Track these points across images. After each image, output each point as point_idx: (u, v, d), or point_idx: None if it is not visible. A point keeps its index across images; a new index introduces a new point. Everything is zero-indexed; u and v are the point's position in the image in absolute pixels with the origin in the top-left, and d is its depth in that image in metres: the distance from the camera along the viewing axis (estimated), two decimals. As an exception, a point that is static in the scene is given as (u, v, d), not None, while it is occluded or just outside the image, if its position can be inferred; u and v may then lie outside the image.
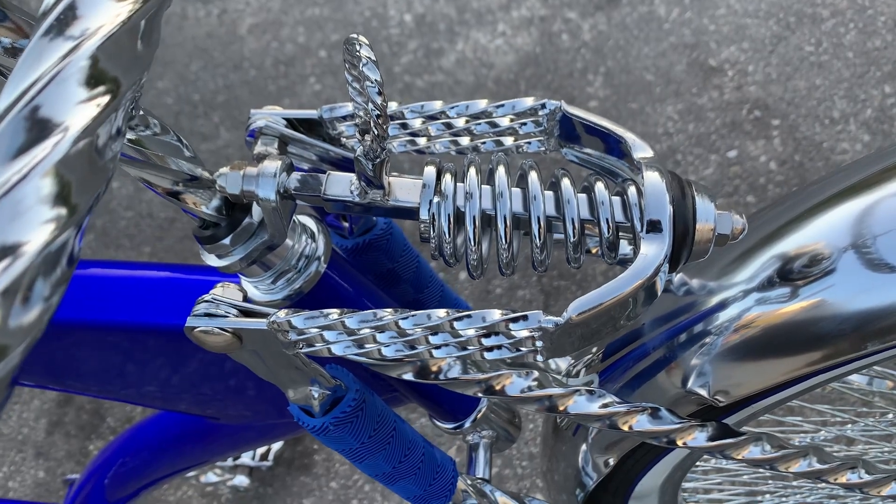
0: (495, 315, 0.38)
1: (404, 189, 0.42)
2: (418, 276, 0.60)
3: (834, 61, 1.48)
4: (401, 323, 0.39)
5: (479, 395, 0.44)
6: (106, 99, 0.23)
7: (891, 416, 0.92)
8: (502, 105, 0.45)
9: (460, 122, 0.46)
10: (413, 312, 0.39)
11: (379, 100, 0.35)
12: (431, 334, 0.40)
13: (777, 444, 0.51)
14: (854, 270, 0.44)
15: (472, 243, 0.40)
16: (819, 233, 0.47)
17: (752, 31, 1.54)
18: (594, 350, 0.61)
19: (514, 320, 0.38)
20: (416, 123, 0.47)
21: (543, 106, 0.45)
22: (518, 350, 0.40)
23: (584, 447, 0.64)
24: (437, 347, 0.40)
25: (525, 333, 0.39)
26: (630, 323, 0.41)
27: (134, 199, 1.59)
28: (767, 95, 1.46)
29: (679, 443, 0.48)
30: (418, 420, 1.26)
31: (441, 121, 0.46)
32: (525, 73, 1.60)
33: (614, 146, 0.44)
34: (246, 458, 1.24)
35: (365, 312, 0.39)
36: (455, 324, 0.38)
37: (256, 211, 0.45)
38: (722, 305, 0.51)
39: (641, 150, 0.42)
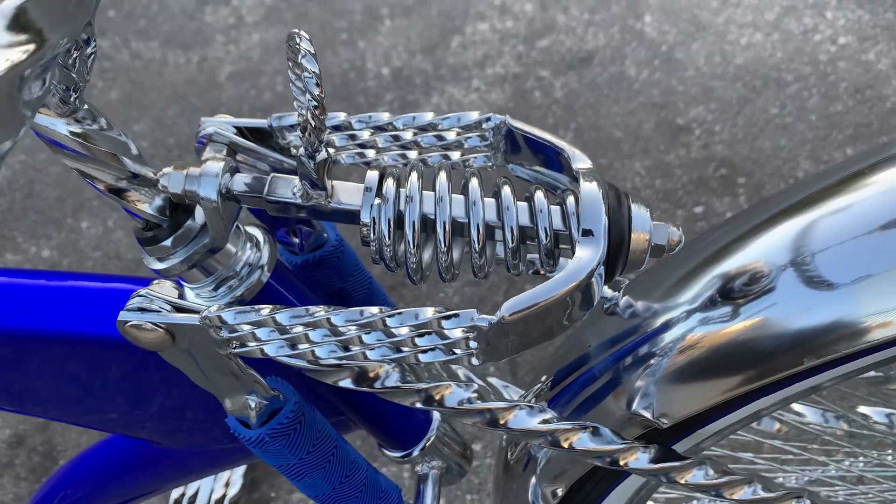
0: (428, 313, 0.38)
1: (347, 193, 0.42)
2: (370, 297, 0.59)
3: (798, 123, 1.52)
4: (332, 319, 0.38)
5: (419, 405, 0.44)
6: (30, 48, 0.24)
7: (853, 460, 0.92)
8: (448, 118, 0.46)
9: (408, 135, 0.47)
10: (345, 309, 0.38)
11: (316, 91, 0.35)
12: (365, 333, 0.39)
13: (721, 470, 0.50)
14: (793, 288, 0.45)
15: (412, 247, 0.40)
16: (759, 252, 0.47)
17: (720, 93, 1.58)
18: (543, 378, 0.60)
19: (447, 318, 0.37)
20: (365, 135, 0.47)
21: (489, 119, 0.46)
22: (452, 353, 0.39)
23: (532, 480, 0.63)
24: (372, 349, 0.40)
25: (459, 334, 0.38)
26: (568, 329, 0.41)
27: (103, 239, 1.58)
28: (734, 154, 1.49)
29: (622, 463, 0.48)
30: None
31: (389, 132, 0.47)
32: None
33: (555, 159, 0.45)
34: (200, 505, 1.20)
35: (297, 309, 0.39)
36: (388, 321, 0.38)
37: (199, 214, 0.45)
38: (666, 327, 0.51)
39: (580, 161, 0.43)
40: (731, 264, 0.48)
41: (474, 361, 0.40)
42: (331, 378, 0.42)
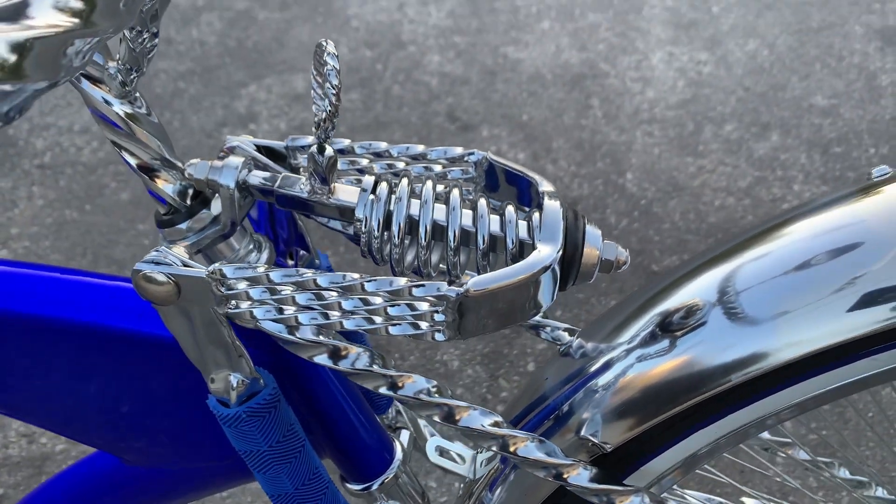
0: (400, 281, 0.44)
1: (346, 193, 0.50)
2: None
3: (764, 280, 1.61)
4: (318, 280, 0.44)
5: (383, 390, 0.49)
6: (79, 24, 0.31)
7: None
8: (436, 150, 0.54)
9: (401, 164, 0.55)
10: (330, 272, 0.44)
11: (335, 82, 0.43)
12: (344, 299, 0.45)
13: (656, 500, 0.54)
14: (722, 321, 0.51)
15: (396, 243, 0.47)
16: (694, 291, 0.54)
17: (693, 245, 1.69)
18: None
19: (417, 286, 0.43)
20: (364, 162, 0.55)
21: (472, 154, 0.54)
22: (418, 327, 0.45)
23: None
24: (348, 318, 0.45)
25: (426, 307, 0.44)
26: (526, 319, 0.47)
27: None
28: (703, 301, 1.57)
29: (564, 476, 0.52)
30: None
31: (385, 160, 0.55)
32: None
33: (526, 191, 0.52)
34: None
35: (288, 269, 0.45)
36: (366, 286, 0.44)
37: (215, 206, 0.52)
38: (610, 364, 0.56)
39: (546, 186, 0.50)
40: (670, 302, 0.55)
41: (439, 337, 0.45)
42: (307, 352, 0.48)
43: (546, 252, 0.45)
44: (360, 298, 0.45)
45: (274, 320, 0.46)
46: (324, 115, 0.44)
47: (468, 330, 0.46)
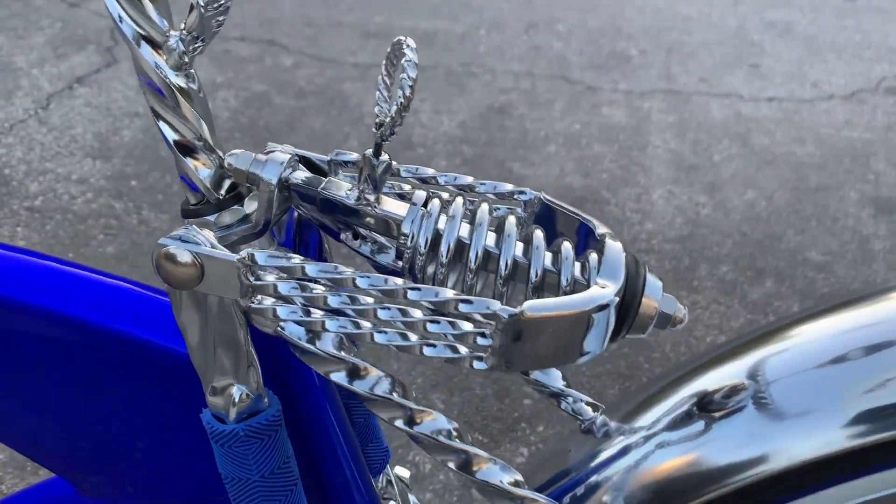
0: (448, 293, 0.40)
1: (392, 205, 0.47)
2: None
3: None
4: (357, 281, 0.40)
5: (399, 423, 0.44)
6: None
7: None
8: (485, 184, 0.52)
9: (446, 194, 0.52)
10: (372, 274, 0.41)
11: (409, 92, 0.41)
12: (381, 307, 0.41)
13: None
14: (763, 409, 0.48)
15: (443, 260, 0.44)
16: (737, 371, 0.51)
17: (681, 378, 1.66)
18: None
19: (465, 301, 0.40)
20: (406, 187, 0.52)
21: (523, 192, 0.52)
22: (457, 351, 0.41)
23: None
24: (381, 330, 0.41)
25: (470, 327, 0.41)
26: (573, 361, 0.43)
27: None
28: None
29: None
30: None
31: (430, 186, 0.52)
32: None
33: (581, 237, 0.50)
34: None
35: (326, 264, 0.41)
36: (409, 293, 0.40)
37: (248, 205, 0.48)
38: (639, 443, 0.52)
39: (603, 229, 0.48)
40: (709, 381, 0.52)
41: (478, 365, 0.41)
42: (325, 367, 0.43)
43: (607, 290, 0.42)
44: (398, 308, 0.41)
45: (297, 322, 0.42)
46: (395, 108, 0.41)
47: (512, 360, 0.42)
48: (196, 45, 0.44)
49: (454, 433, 0.45)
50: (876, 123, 2.60)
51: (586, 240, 0.50)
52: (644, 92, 2.71)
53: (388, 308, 0.41)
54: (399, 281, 0.41)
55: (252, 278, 0.42)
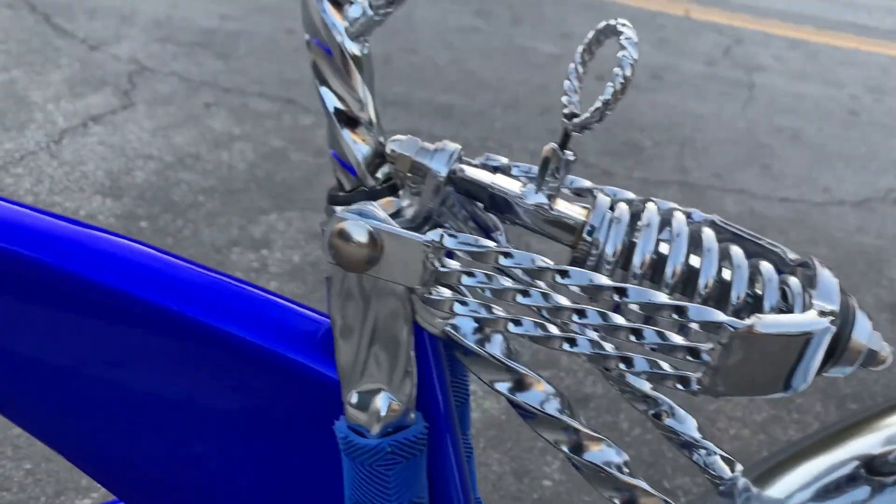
0: (662, 296, 0.35)
1: (568, 206, 0.42)
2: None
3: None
4: (559, 278, 0.35)
5: (564, 448, 0.38)
6: None
7: None
8: (652, 200, 0.47)
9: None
10: (574, 268, 0.35)
11: (629, 72, 0.37)
12: (577, 314, 0.36)
13: None
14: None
15: (638, 272, 0.39)
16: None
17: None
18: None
19: (680, 310, 0.34)
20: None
21: (691, 212, 0.47)
22: (659, 367, 0.36)
23: None
24: (572, 340, 0.36)
25: (679, 341, 0.35)
26: (776, 393, 0.37)
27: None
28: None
29: None
30: None
31: (587, 200, 0.47)
32: (487, 433, 1.59)
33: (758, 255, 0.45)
34: None
35: (523, 253, 0.36)
36: (617, 296, 0.35)
37: (403, 197, 0.43)
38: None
39: (793, 255, 0.43)
40: (877, 440, 0.46)
41: (693, 387, 0.36)
42: (490, 374, 0.37)
43: (827, 315, 0.37)
44: (598, 311, 0.36)
45: (477, 320, 0.37)
46: (611, 89, 0.37)
47: (726, 383, 0.36)
48: (386, 10, 0.39)
49: (623, 467, 0.39)
50: (887, 232, 2.62)
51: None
52: (659, 181, 2.72)
53: (587, 311, 0.36)
54: (604, 279, 0.36)
55: (439, 264, 0.36)
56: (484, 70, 3.42)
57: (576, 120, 0.39)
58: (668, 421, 0.54)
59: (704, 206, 2.59)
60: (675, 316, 0.35)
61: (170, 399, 0.48)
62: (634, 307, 0.35)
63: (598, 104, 0.38)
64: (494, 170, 0.48)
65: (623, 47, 0.37)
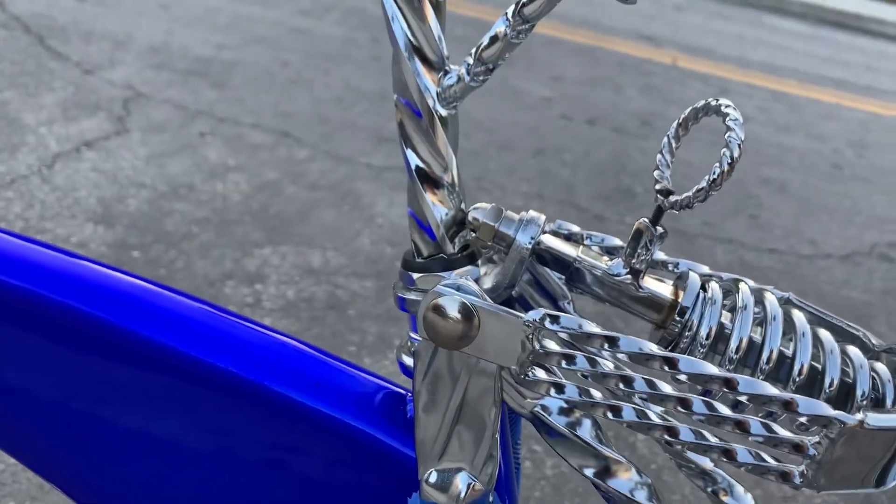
0: (770, 388, 0.34)
1: (655, 284, 0.41)
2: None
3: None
4: (677, 363, 0.34)
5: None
6: None
7: None
8: (723, 276, 0.46)
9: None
10: (685, 358, 0.34)
11: (737, 153, 0.37)
12: (682, 402, 0.35)
13: None
14: None
15: (734, 356, 0.38)
16: None
17: (703, 524, 1.57)
18: None
19: (791, 403, 0.34)
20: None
21: (764, 289, 0.46)
22: (762, 458, 0.35)
23: None
24: (673, 430, 0.35)
25: (785, 434, 0.34)
26: (871, 485, 0.37)
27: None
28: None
29: None
30: None
31: (665, 273, 0.47)
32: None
33: (841, 338, 0.44)
34: None
35: (630, 338, 0.35)
36: (739, 384, 0.34)
37: (482, 266, 0.42)
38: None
39: (876, 340, 0.43)
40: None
41: (796, 481, 0.35)
42: (580, 459, 0.36)
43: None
44: (703, 401, 0.35)
45: (576, 405, 0.36)
46: (718, 170, 0.37)
47: (828, 477, 0.35)
48: (484, 77, 0.39)
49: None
50: (873, 287, 2.65)
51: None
52: (650, 228, 2.74)
53: (692, 401, 0.35)
54: (714, 369, 0.35)
55: (539, 345, 0.35)
56: (478, 110, 3.44)
57: (673, 198, 0.39)
58: (726, 499, 0.53)
59: (696, 254, 2.61)
60: (784, 409, 0.34)
61: (221, 460, 0.47)
62: (743, 398, 0.34)
63: (703, 184, 0.37)
64: (567, 238, 0.47)
65: (730, 128, 0.37)
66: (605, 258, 0.42)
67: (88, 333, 0.45)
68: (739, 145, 0.37)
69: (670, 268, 0.47)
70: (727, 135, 0.37)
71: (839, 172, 3.67)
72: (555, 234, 0.47)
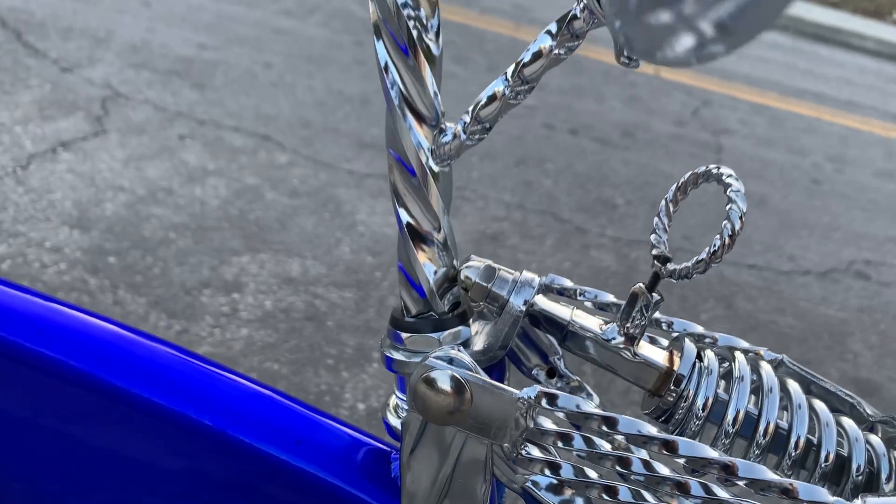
0: (770, 473, 0.33)
1: (650, 350, 0.40)
2: None
3: None
4: (668, 450, 0.33)
5: None
6: None
7: None
8: (721, 335, 0.45)
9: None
10: (685, 441, 0.33)
11: (739, 226, 0.35)
12: (679, 487, 0.34)
13: None
14: None
15: (730, 430, 0.37)
16: None
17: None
18: None
19: (791, 490, 0.33)
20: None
21: (761, 350, 0.45)
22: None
23: None
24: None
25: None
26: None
27: None
28: None
29: None
30: None
31: (661, 332, 0.46)
32: None
33: (833, 407, 0.44)
34: None
35: (628, 420, 0.33)
36: (739, 468, 0.33)
37: (473, 326, 0.41)
38: None
39: (872, 409, 0.42)
40: None
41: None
42: None
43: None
44: (700, 483, 0.34)
45: (572, 483, 0.34)
46: (719, 241, 0.35)
47: None
48: (480, 137, 0.37)
49: None
50: (849, 304, 2.68)
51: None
52: (631, 241, 2.74)
53: (690, 483, 0.34)
54: (715, 453, 0.34)
55: (532, 423, 0.34)
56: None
57: (671, 266, 0.37)
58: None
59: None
60: (783, 494, 0.33)
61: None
62: (742, 483, 0.33)
63: (703, 256, 0.36)
64: (560, 293, 0.46)
65: (731, 199, 0.36)
66: (599, 320, 0.41)
67: (72, 389, 0.44)
68: (741, 217, 0.35)
69: (664, 327, 0.45)
70: (728, 206, 0.36)
71: (819, 188, 3.71)
72: (548, 288, 0.46)
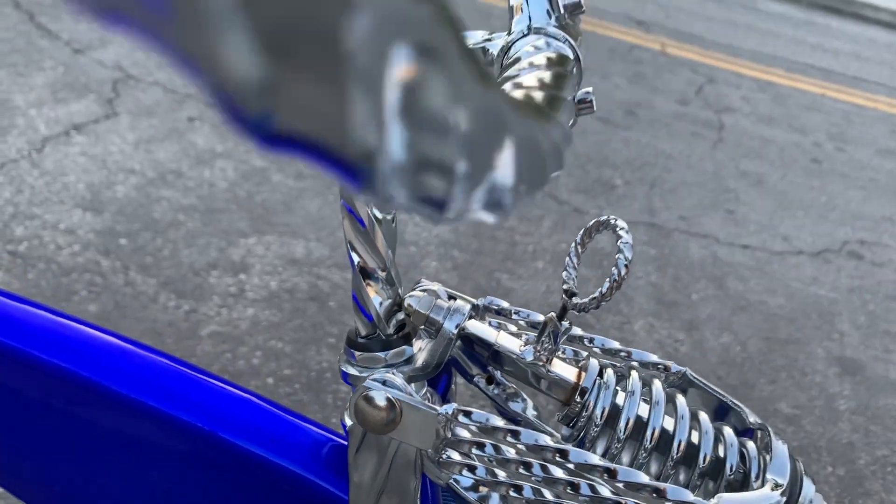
0: (643, 477, 0.41)
1: (561, 367, 0.48)
2: None
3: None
4: (568, 454, 0.41)
5: None
6: None
7: None
8: (633, 352, 0.53)
9: (584, 353, 0.54)
10: (573, 448, 0.41)
11: (624, 273, 0.43)
12: (571, 486, 0.42)
13: None
14: None
15: (622, 435, 0.45)
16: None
17: None
18: None
19: (660, 490, 0.41)
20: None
21: (667, 368, 0.53)
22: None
23: None
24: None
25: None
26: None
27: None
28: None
29: None
30: None
31: (573, 345, 0.54)
32: None
33: (723, 414, 0.52)
34: None
35: (529, 432, 0.42)
36: (619, 474, 0.41)
37: (415, 345, 0.49)
38: None
39: (754, 418, 0.50)
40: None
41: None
42: None
43: (778, 490, 0.44)
44: (588, 483, 0.42)
45: (483, 483, 0.43)
46: (607, 284, 0.43)
47: None
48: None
49: None
50: (840, 284, 2.74)
51: (727, 418, 0.52)
52: (628, 222, 2.81)
53: (580, 483, 0.42)
54: (596, 458, 0.42)
55: (451, 434, 0.42)
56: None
57: (575, 300, 0.45)
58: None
59: (670, 249, 2.68)
60: (654, 494, 0.41)
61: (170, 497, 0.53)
62: (620, 485, 0.41)
63: (597, 294, 0.44)
64: (497, 313, 0.54)
65: (620, 250, 0.44)
66: (521, 343, 0.49)
67: (54, 385, 0.52)
68: (626, 265, 0.43)
69: (586, 342, 0.53)
70: (617, 256, 0.44)
71: (818, 167, 3.75)
72: (487, 309, 0.54)
